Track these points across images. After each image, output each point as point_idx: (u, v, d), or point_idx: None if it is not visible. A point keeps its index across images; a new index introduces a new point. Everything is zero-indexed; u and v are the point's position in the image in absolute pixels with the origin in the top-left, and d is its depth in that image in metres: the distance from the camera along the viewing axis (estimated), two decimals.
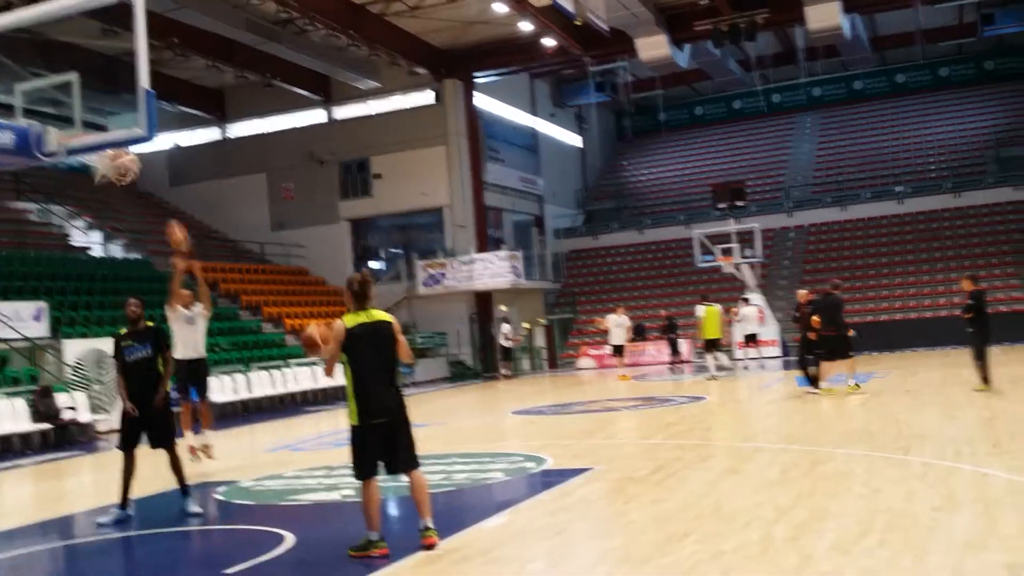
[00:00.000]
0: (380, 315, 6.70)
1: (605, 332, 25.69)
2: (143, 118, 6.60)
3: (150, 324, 9.10)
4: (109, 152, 7.92)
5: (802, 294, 16.67)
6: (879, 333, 28.27)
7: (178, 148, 37.04)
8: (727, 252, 28.13)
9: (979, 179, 35.77)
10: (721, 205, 30.83)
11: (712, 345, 21.62)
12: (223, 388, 21.50)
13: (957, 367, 17.88)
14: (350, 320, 6.60)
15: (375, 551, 6.37)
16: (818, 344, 15.62)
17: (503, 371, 28.56)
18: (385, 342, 6.62)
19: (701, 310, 22.04)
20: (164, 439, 8.86)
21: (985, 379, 14.32)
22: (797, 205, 37.54)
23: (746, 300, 26.23)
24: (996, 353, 15.18)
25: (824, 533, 6.20)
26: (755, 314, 25.68)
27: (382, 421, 6.51)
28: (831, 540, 6.00)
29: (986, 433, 10.25)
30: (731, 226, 28.69)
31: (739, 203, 29.23)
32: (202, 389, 11.58)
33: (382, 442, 6.52)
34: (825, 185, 39.01)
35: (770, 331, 27.81)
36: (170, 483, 9.05)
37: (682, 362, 27.27)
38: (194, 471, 10.67)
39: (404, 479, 6.74)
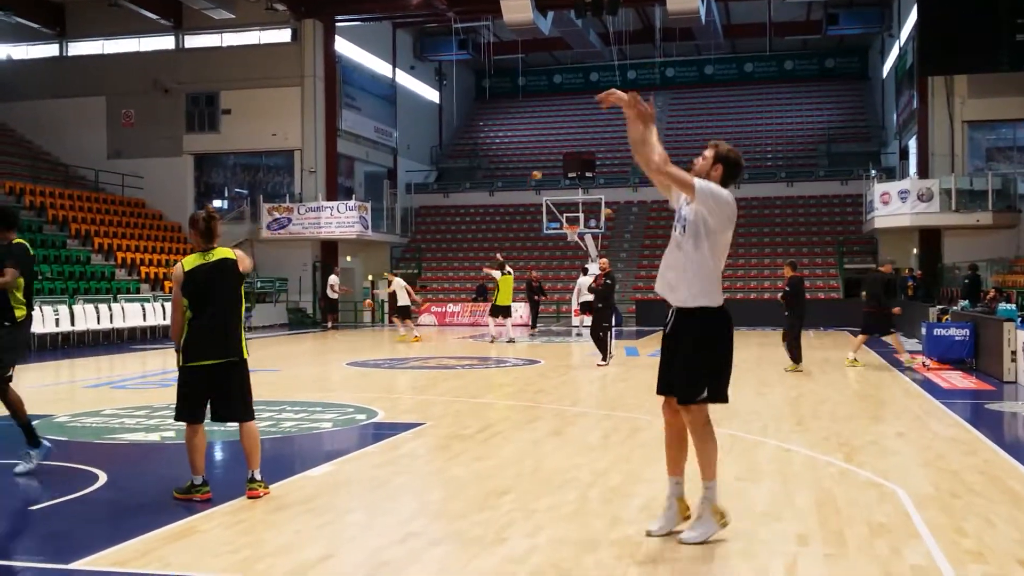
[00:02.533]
0: (223, 252, 6.49)
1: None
2: None
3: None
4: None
5: (603, 263, 17.07)
6: None
7: (10, 60, 34.67)
8: (572, 221, 28.67)
9: (811, 171, 37.73)
10: (571, 174, 31.36)
11: (500, 311, 22.19)
12: (43, 319, 20.47)
13: (773, 347, 18.91)
14: (190, 262, 6.42)
15: (197, 495, 6.30)
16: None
17: (329, 323, 28.58)
18: (224, 281, 6.43)
19: (497, 275, 22.50)
20: None
21: (796, 360, 15.24)
22: (642, 181, 38.58)
23: (585, 270, 26.87)
24: (809, 337, 16.13)
25: (635, 497, 6.50)
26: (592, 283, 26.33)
27: (210, 364, 6.37)
28: (640, 504, 6.30)
29: (792, 411, 10.92)
30: (578, 196, 29.23)
31: (588, 174, 29.79)
32: None
33: (209, 386, 6.39)
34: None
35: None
36: None
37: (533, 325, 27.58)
38: None
39: (233, 426, 6.63)
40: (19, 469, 7.27)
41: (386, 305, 33.44)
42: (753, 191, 36.58)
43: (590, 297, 25.92)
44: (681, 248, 5.44)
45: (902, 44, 32.83)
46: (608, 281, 16.33)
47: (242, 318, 6.52)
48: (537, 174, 27.92)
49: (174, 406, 6.49)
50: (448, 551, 5.30)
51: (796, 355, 15.29)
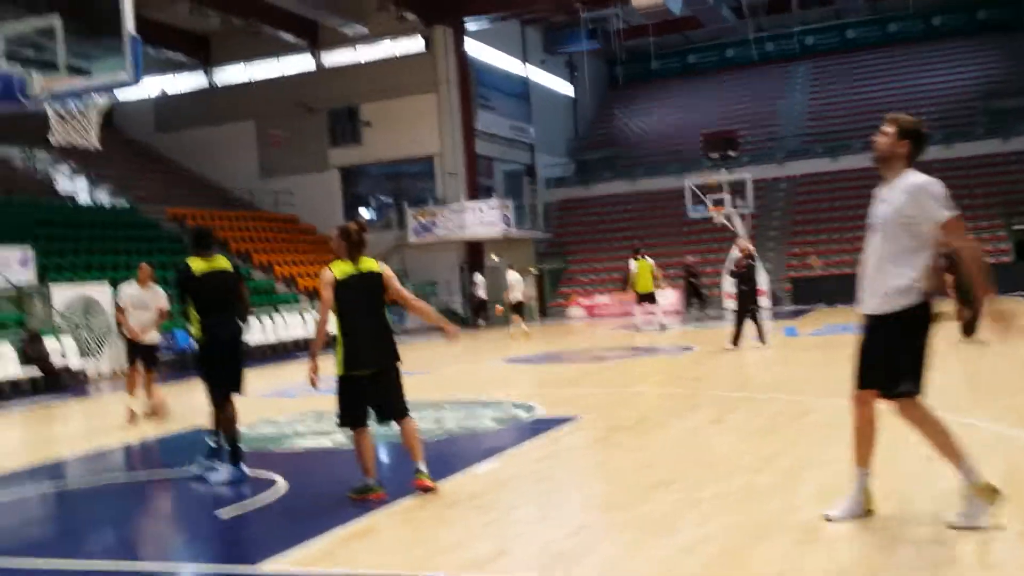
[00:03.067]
0: (370, 264, 6.69)
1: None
2: (128, 63, 6.55)
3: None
4: None
5: (743, 244, 16.54)
6: None
7: (164, 94, 36.63)
8: (718, 202, 28.10)
9: (969, 131, 35.72)
10: (713, 155, 30.73)
11: (643, 298, 21.78)
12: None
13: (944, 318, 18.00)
14: (339, 270, 6.59)
15: (372, 495, 6.46)
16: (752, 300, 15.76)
17: (480, 322, 28.78)
18: (374, 291, 6.64)
19: (634, 265, 22.02)
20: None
21: (970, 331, 14.44)
22: (789, 155, 37.45)
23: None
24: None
25: (807, 482, 6.30)
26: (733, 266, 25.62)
27: (369, 372, 6.54)
28: (813, 489, 6.10)
29: (971, 384, 10.39)
30: (723, 176, 28.63)
31: (731, 153, 29.13)
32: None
33: (369, 392, 6.57)
34: (817, 135, 38.90)
35: (760, 281, 27.89)
36: (181, 425, 9.17)
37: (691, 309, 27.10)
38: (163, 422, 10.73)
39: (395, 427, 6.78)
40: (212, 478, 7.66)
41: (533, 301, 33.74)
42: None
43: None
44: (892, 254, 5.08)
45: None
46: (750, 262, 15.94)
47: (385, 329, 6.67)
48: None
49: (337, 413, 6.69)
50: (619, 542, 5.26)
51: (972, 326, 14.47)
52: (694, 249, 33.34)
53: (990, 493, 5.02)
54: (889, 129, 5.18)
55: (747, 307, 15.90)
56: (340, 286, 6.54)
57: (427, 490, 6.49)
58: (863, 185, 34.46)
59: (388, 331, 6.67)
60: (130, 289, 11.55)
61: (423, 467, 6.58)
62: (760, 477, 6.48)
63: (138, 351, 11.51)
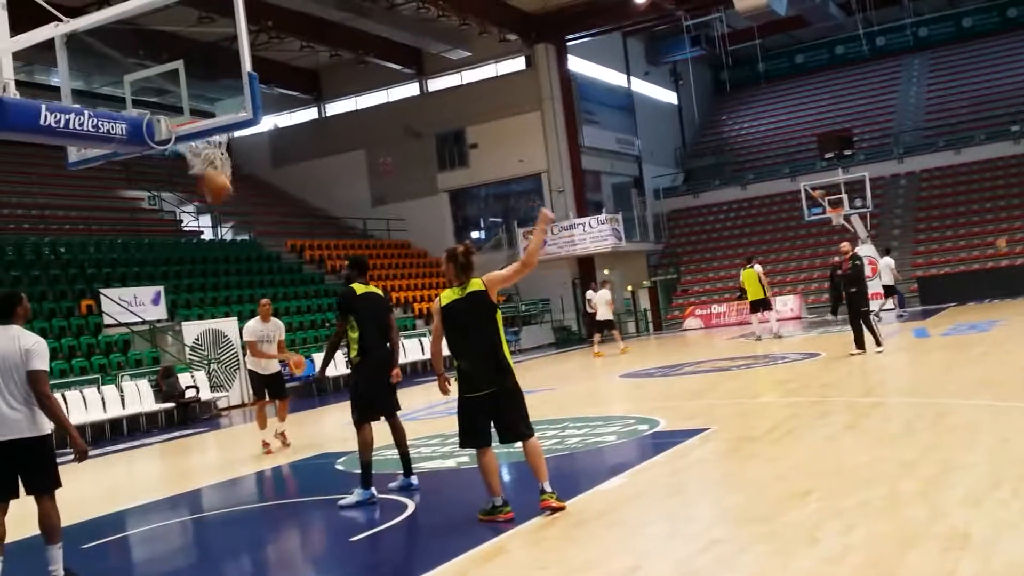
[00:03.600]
0: (475, 284, 6.64)
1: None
2: (249, 102, 6.72)
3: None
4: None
5: (845, 247, 15.88)
6: (1000, 280, 27.19)
7: (278, 129, 37.83)
8: (836, 203, 27.27)
9: None
10: (828, 155, 29.91)
11: (756, 306, 21.27)
12: (333, 363, 21.98)
13: None
14: (445, 297, 6.67)
15: (501, 516, 6.45)
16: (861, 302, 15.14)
17: (595, 339, 28.20)
18: (480, 312, 6.59)
19: (742, 274, 21.59)
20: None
21: None
22: (908, 151, 36.17)
23: (887, 251, 25.39)
24: None
25: (953, 487, 6.00)
26: (890, 265, 24.75)
27: (485, 393, 6.53)
28: (961, 493, 5.81)
29: None
30: (839, 176, 27.81)
31: (846, 152, 28.25)
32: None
33: (487, 412, 6.56)
34: (937, 129, 37.46)
35: (879, 281, 26.91)
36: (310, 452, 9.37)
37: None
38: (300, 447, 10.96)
39: (518, 446, 6.75)
40: (343, 502, 7.77)
41: (648, 313, 33.40)
42: None
43: (890, 280, 24.29)
44: None
45: None
46: (856, 263, 15.34)
47: (503, 342, 6.63)
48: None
49: (458, 434, 6.70)
50: (759, 556, 5.10)
51: None
52: (812, 253, 32.49)
53: None
54: None
55: (859, 309, 15.34)
56: (446, 312, 6.64)
57: (555, 510, 6.43)
58: (989, 177, 33.12)
59: (500, 351, 6.59)
60: (253, 325, 11.93)
61: (548, 487, 6.51)
62: (902, 484, 6.21)
63: (265, 382, 11.87)
